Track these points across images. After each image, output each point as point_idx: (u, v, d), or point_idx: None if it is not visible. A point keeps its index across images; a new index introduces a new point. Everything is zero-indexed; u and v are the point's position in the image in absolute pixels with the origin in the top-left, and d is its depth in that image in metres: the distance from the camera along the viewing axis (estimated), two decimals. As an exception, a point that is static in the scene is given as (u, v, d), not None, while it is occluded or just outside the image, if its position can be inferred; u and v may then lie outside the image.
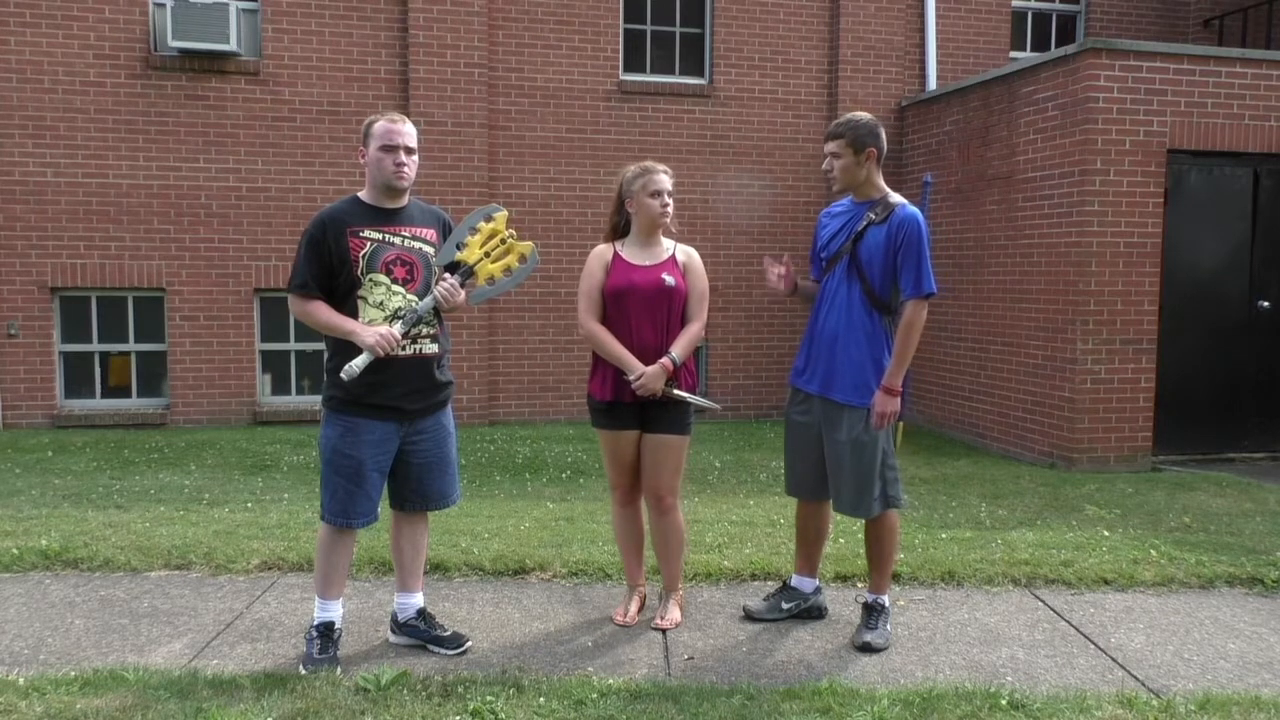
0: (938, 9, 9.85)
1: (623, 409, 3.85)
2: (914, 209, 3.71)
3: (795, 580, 4.13)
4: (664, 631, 3.92)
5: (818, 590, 4.14)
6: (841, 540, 5.02)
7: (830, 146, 3.73)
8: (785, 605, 4.06)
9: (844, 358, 3.73)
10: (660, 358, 3.77)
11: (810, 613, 4.08)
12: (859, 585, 4.45)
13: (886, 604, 3.90)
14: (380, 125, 3.46)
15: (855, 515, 3.86)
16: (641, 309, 3.80)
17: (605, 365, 3.86)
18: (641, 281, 3.80)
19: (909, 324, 3.65)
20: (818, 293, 3.90)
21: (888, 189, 3.80)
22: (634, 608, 4.04)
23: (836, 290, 3.78)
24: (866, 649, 3.75)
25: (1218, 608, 4.31)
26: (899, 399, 3.68)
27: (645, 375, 3.73)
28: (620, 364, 3.78)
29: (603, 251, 3.91)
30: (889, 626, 3.87)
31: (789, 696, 3.26)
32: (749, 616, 4.04)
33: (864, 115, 3.76)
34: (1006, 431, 8.07)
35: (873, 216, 3.70)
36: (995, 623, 4.08)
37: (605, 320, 3.84)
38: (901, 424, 3.85)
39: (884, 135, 3.76)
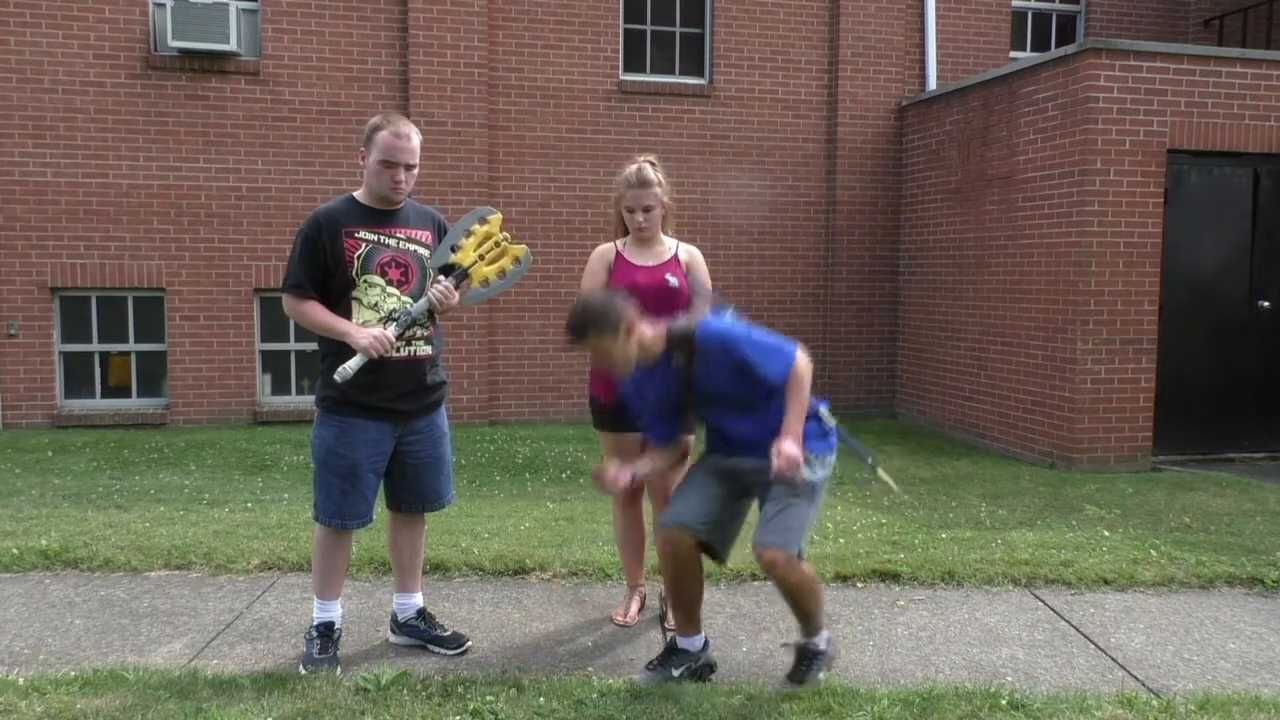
0: (938, 9, 9.85)
1: (628, 411, 3.84)
2: (707, 325, 3.27)
3: (682, 641, 3.48)
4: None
5: (707, 645, 3.52)
6: (841, 540, 5.02)
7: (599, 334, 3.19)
8: (675, 671, 3.42)
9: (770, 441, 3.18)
10: None
11: (701, 673, 3.45)
12: (859, 586, 4.45)
13: (823, 646, 3.37)
14: (384, 137, 3.37)
15: (786, 550, 3.21)
16: (645, 309, 3.78)
17: None
18: (645, 282, 3.78)
19: (795, 385, 3.19)
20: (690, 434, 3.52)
21: (657, 327, 3.31)
22: (634, 608, 4.04)
23: (720, 418, 3.39)
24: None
25: (1218, 608, 4.31)
26: (800, 446, 3.16)
27: None
28: None
29: (605, 251, 3.89)
30: (823, 675, 3.37)
31: (789, 696, 3.25)
32: (634, 690, 3.30)
33: (591, 302, 3.26)
34: (1006, 431, 8.07)
35: (680, 361, 3.28)
36: (995, 623, 4.08)
37: None
38: (877, 463, 3.55)
39: (621, 301, 3.28)
